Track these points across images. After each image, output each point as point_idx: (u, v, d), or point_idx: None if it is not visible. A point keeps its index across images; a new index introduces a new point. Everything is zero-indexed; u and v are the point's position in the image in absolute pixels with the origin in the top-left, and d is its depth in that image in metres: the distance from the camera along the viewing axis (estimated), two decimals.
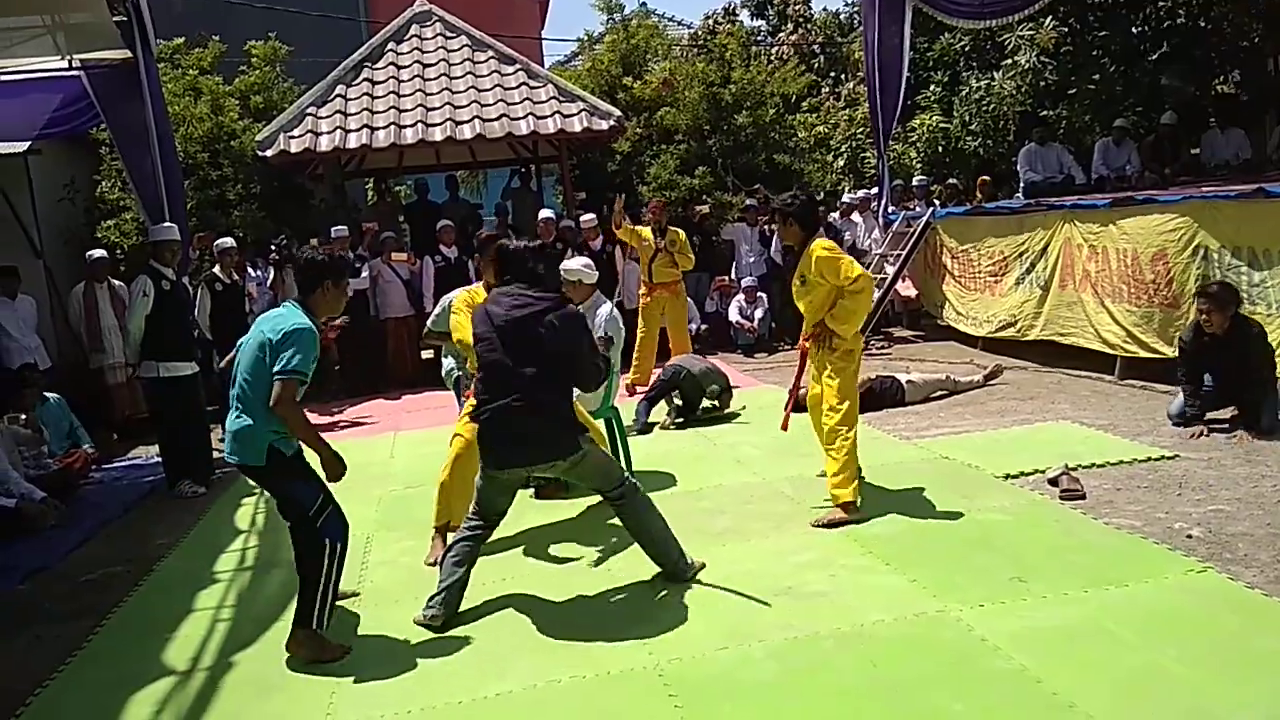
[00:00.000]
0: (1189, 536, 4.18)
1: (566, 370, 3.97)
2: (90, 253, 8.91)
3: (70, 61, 7.00)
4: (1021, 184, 10.71)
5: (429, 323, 5.99)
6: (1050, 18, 11.37)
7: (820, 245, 4.78)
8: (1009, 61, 11.63)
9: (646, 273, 8.86)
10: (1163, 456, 5.35)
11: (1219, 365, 5.89)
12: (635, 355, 8.78)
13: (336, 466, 3.70)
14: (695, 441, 6.74)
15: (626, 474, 4.23)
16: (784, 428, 5.28)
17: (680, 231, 8.97)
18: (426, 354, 10.50)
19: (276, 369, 3.52)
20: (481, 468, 4.03)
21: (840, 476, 4.75)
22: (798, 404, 5.25)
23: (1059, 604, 3.62)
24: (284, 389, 3.51)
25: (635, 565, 4.33)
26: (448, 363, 6.23)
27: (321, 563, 3.71)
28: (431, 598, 3.95)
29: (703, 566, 4.23)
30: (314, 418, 8.43)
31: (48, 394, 7.28)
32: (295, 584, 4.11)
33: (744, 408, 7.56)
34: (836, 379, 4.84)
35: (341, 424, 8.60)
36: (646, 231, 8.84)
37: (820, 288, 4.76)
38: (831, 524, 4.68)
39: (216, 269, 8.47)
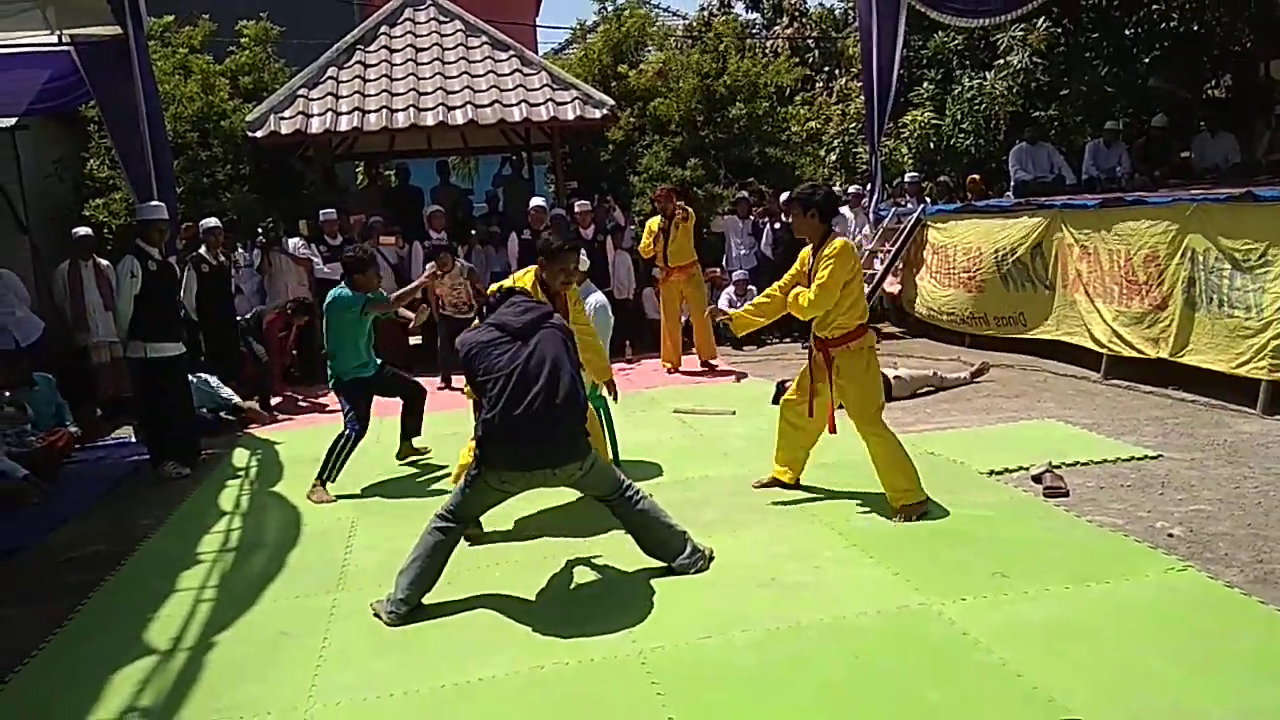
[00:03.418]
0: (1170, 535, 4.21)
1: (578, 369, 3.97)
2: (75, 230, 8.81)
3: (60, 37, 6.93)
4: (1012, 183, 10.74)
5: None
6: (1043, 18, 11.42)
7: (841, 243, 4.66)
8: (1001, 61, 11.68)
9: (662, 259, 9.08)
10: (1146, 456, 5.39)
11: None
12: (663, 340, 9.45)
13: None
14: (682, 433, 6.75)
15: (625, 478, 4.19)
16: (832, 430, 5.10)
17: (687, 208, 9.33)
18: (415, 339, 10.48)
19: None
20: (485, 470, 3.87)
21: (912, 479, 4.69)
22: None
23: (1041, 600, 3.64)
24: None
25: (620, 554, 4.33)
26: None
27: None
28: (397, 596, 3.85)
29: (712, 555, 4.19)
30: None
31: (37, 374, 7.13)
32: (280, 566, 4.14)
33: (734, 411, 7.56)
34: (863, 385, 4.73)
35: (329, 408, 8.56)
36: (654, 223, 9.12)
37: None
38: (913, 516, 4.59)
39: (203, 249, 8.40)
